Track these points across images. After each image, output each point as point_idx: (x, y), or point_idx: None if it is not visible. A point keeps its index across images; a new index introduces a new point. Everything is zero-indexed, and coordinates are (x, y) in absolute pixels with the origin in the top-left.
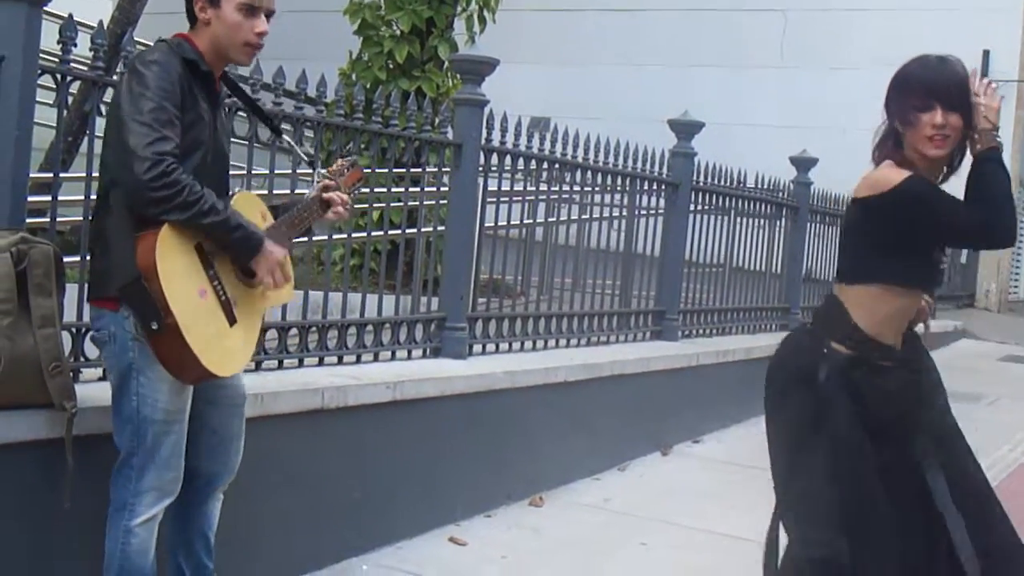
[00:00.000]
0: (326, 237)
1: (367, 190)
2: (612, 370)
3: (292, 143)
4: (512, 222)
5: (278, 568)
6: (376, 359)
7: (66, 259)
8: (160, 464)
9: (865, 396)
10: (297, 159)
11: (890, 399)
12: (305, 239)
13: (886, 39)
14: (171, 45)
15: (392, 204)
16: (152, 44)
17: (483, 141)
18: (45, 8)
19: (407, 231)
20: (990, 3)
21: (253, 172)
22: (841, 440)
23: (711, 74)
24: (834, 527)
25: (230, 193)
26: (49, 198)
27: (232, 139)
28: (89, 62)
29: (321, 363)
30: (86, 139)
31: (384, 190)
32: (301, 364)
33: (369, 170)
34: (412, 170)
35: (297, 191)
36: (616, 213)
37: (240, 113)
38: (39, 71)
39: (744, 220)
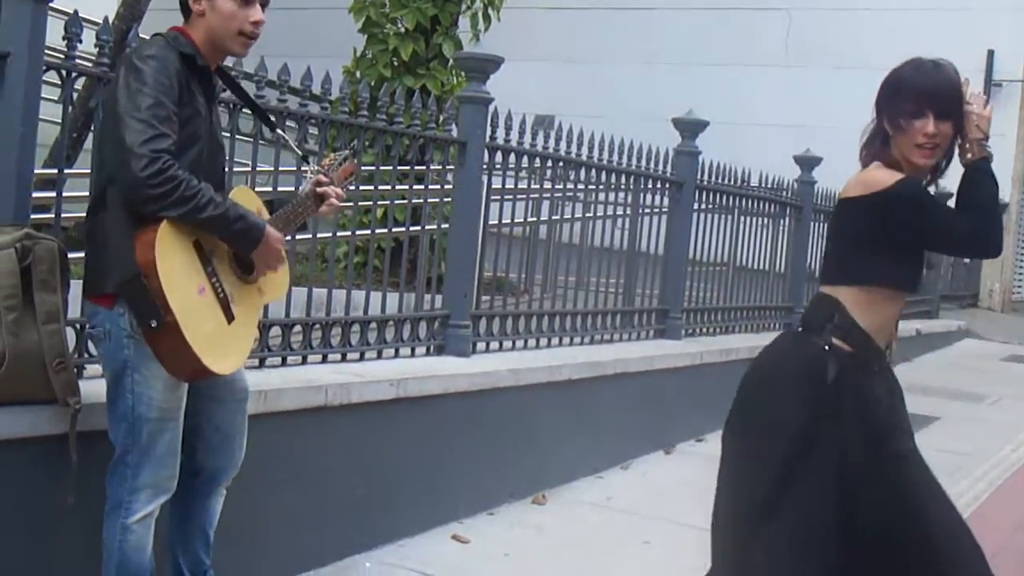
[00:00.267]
0: (330, 234)
1: (371, 187)
2: (615, 368)
3: (286, 138)
4: (516, 220)
5: (281, 565)
6: (379, 356)
7: (70, 255)
8: (155, 462)
9: (867, 401)
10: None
11: (880, 405)
12: (304, 235)
13: (891, 38)
14: (168, 39)
15: (396, 201)
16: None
17: (487, 139)
18: (50, 4)
19: (411, 228)
20: (995, 3)
21: (257, 169)
22: (847, 449)
23: (716, 73)
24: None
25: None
26: (53, 194)
27: (236, 137)
28: (94, 58)
29: (324, 360)
30: (91, 135)
31: (388, 187)
32: (304, 361)
33: (373, 167)
34: (416, 167)
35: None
36: (620, 211)
37: (244, 111)
38: (44, 67)
39: (748, 219)
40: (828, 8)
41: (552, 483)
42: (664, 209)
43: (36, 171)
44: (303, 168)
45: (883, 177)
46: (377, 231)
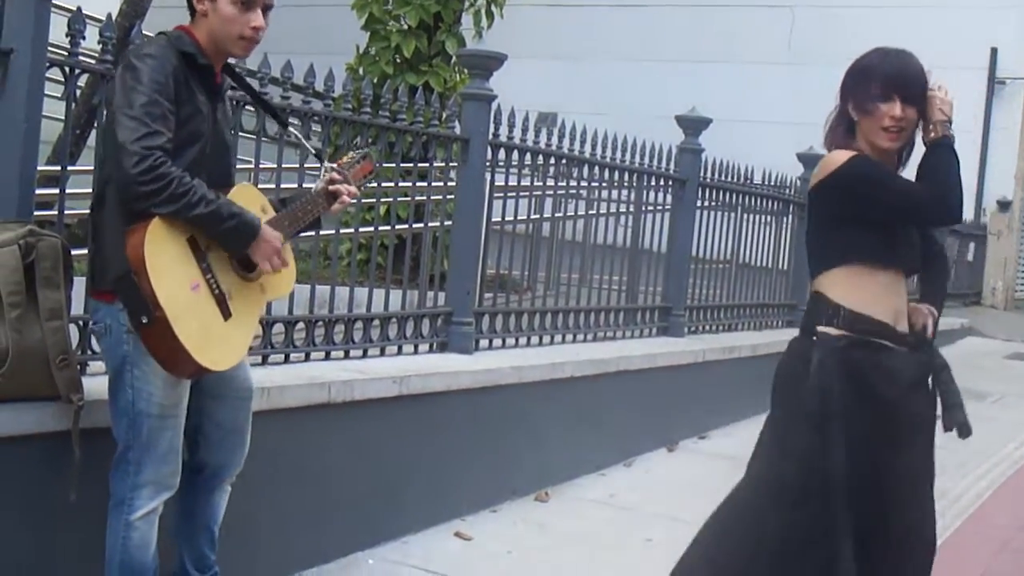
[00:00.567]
0: (333, 231)
1: (374, 185)
2: (618, 366)
3: (299, 136)
4: (519, 217)
5: (284, 562)
6: (383, 354)
7: (74, 252)
8: (157, 458)
9: (870, 376)
10: (304, 152)
11: (896, 376)
12: (312, 233)
13: (894, 36)
14: (170, 38)
15: (399, 199)
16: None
17: (490, 136)
18: (54, 1)
19: (414, 226)
20: (998, 1)
21: (261, 167)
22: (835, 427)
23: (719, 70)
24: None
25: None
26: (57, 191)
27: (240, 133)
28: (97, 55)
29: (327, 357)
30: (94, 132)
31: (391, 184)
32: (307, 358)
33: (377, 164)
34: (419, 164)
35: (305, 185)
36: (623, 209)
37: (248, 108)
38: (48, 64)
39: (751, 216)
40: (831, 6)
41: (555, 480)
42: (667, 206)
43: (39, 168)
44: (322, 166)
45: (837, 156)
46: (380, 228)
